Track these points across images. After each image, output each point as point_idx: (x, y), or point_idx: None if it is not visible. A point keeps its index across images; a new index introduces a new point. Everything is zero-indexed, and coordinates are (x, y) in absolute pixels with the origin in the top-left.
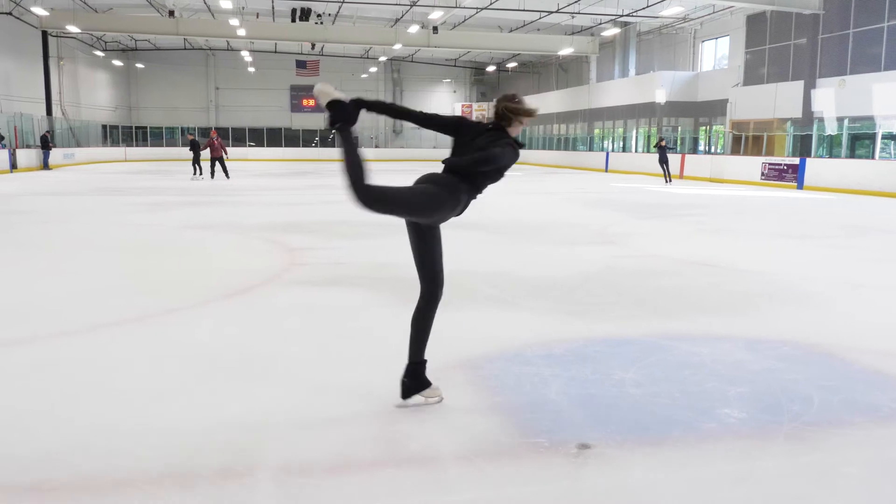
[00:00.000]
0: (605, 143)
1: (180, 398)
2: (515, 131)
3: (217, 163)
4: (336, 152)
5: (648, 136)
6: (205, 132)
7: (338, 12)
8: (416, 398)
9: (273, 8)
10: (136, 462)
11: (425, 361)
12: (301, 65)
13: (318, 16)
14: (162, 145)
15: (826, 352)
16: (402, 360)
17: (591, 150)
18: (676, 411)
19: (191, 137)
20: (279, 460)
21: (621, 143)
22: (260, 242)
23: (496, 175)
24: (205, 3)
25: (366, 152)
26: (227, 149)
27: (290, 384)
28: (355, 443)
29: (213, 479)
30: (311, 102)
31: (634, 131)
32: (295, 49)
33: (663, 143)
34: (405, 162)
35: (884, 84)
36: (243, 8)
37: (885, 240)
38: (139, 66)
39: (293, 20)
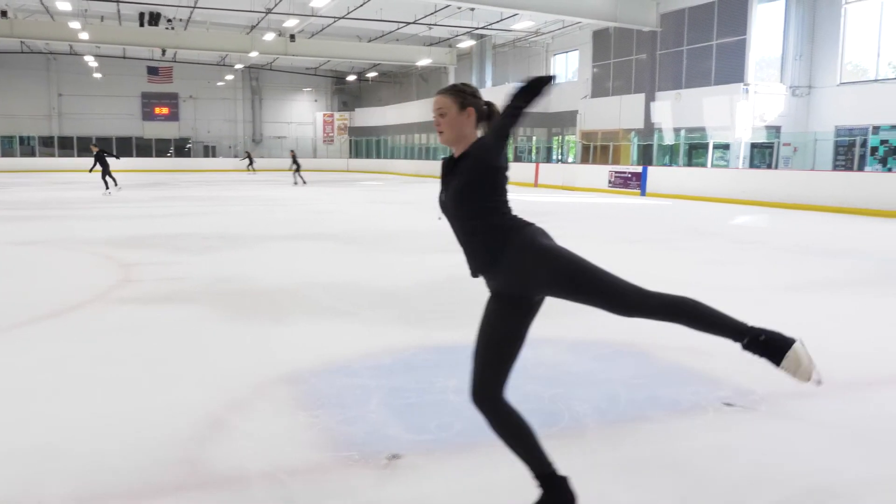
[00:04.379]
0: None
1: None
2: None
3: None
4: (190, 162)
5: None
6: (47, 141)
7: (189, 18)
8: None
9: (119, 11)
10: None
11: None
12: (153, 71)
13: (169, 21)
14: None
15: (640, 350)
16: (226, 376)
17: None
18: None
19: (95, 149)
20: (74, 490)
21: None
22: (92, 258)
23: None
24: (42, 3)
25: (226, 162)
26: (74, 159)
27: (98, 408)
28: (158, 466)
29: None
30: (165, 110)
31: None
32: (146, 55)
33: None
34: (267, 172)
35: (713, 97)
36: (86, 11)
37: (712, 243)
38: None
39: (141, 24)
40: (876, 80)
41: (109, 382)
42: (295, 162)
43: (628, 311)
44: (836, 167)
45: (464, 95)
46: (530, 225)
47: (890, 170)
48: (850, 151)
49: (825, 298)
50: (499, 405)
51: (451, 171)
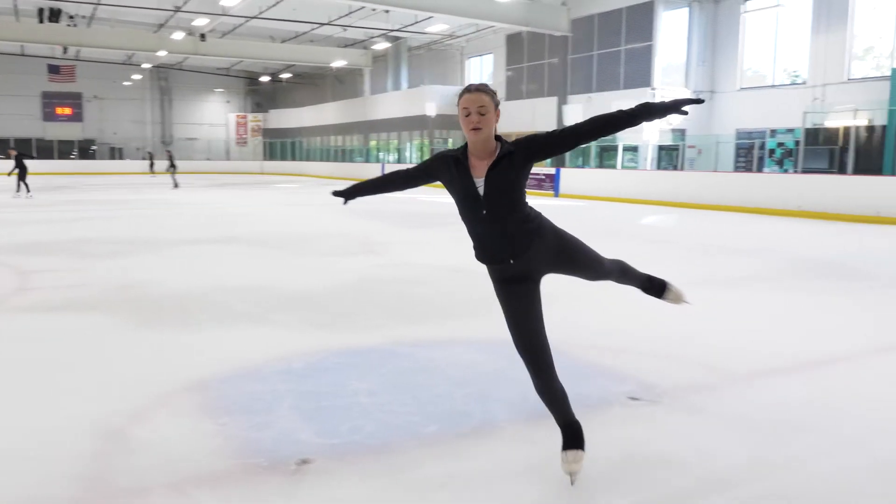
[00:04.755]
0: (381, 154)
1: None
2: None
3: None
4: (96, 165)
5: (422, 147)
6: None
7: (93, 14)
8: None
9: (16, 6)
10: None
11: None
12: (54, 69)
13: (71, 17)
14: None
15: (553, 349)
16: (128, 386)
17: (367, 161)
18: (403, 417)
19: (13, 153)
20: None
21: (396, 155)
22: None
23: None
24: None
25: (134, 165)
26: None
27: None
28: (54, 483)
29: None
30: (67, 111)
31: (409, 143)
32: (46, 52)
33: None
34: (177, 175)
35: (622, 101)
36: None
37: (621, 242)
38: None
39: (41, 21)
40: (772, 86)
41: (1, 396)
42: (172, 164)
43: (602, 277)
44: (737, 168)
45: (495, 96)
46: (541, 213)
47: (786, 171)
48: (750, 153)
49: (724, 294)
50: (555, 375)
51: (495, 166)
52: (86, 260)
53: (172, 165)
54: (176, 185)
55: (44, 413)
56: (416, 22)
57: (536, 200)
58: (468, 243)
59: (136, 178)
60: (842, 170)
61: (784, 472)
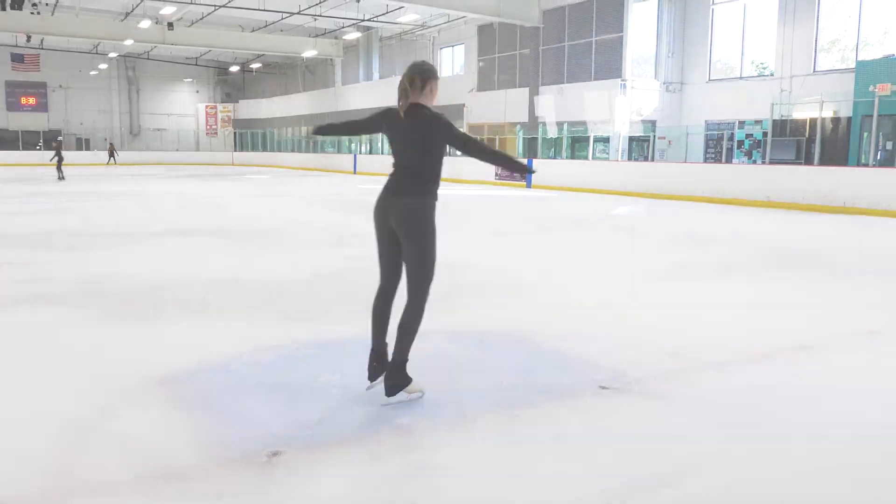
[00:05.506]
0: (354, 145)
1: None
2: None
3: None
4: (62, 156)
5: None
6: None
7: (57, 2)
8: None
9: None
10: None
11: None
12: (18, 58)
13: (34, 4)
14: None
15: (520, 339)
16: (95, 380)
17: (339, 152)
18: (375, 408)
19: None
20: None
21: (368, 146)
22: None
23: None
24: None
25: (101, 156)
26: None
27: None
28: (18, 479)
29: None
30: (32, 100)
31: (381, 134)
32: (9, 41)
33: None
34: (146, 166)
35: (593, 93)
36: None
37: (592, 233)
38: None
39: (3, 8)
40: (741, 78)
41: None
42: (58, 154)
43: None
44: (706, 159)
45: None
46: None
47: (755, 162)
48: (719, 144)
49: (693, 284)
50: None
51: None
52: (53, 252)
53: (59, 157)
54: (61, 178)
55: (10, 408)
56: (388, 12)
57: (509, 192)
58: (440, 234)
59: (104, 170)
60: (808, 161)
61: (751, 459)
